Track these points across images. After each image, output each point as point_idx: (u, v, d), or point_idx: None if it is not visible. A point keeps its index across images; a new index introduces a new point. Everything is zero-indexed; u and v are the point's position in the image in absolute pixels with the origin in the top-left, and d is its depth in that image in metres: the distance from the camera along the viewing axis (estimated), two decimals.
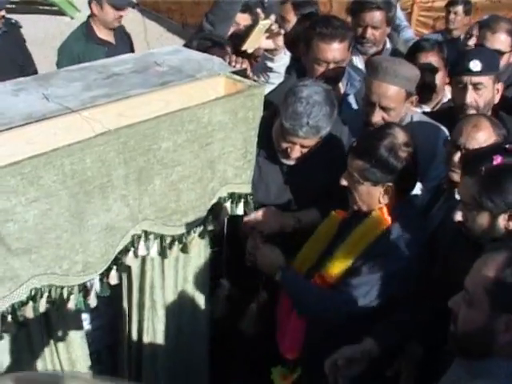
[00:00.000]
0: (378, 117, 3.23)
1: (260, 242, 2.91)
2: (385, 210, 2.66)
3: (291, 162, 3.12)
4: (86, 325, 2.89)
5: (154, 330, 2.93)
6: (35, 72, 4.82)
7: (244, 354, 3.36)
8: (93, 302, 2.32)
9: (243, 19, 4.41)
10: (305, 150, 3.06)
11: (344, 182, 2.70)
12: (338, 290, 2.68)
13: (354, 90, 3.87)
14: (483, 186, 2.32)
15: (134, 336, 2.93)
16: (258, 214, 3.01)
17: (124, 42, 5.07)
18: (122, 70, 2.64)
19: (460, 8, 5.57)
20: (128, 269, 2.68)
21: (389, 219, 2.65)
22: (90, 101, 2.34)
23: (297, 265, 2.93)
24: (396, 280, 2.62)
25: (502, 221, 2.33)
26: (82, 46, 4.86)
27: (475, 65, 3.32)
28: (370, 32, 4.26)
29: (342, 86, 3.87)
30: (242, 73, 2.83)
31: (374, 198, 2.67)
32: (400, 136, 2.64)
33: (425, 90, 3.42)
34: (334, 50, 3.55)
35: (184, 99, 2.55)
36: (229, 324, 3.20)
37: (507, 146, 2.44)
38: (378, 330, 2.59)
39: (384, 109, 3.21)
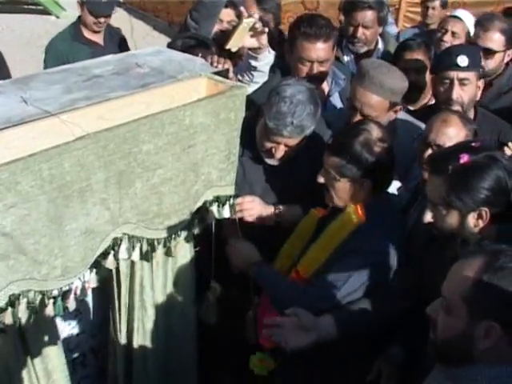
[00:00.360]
0: None
1: (235, 238, 2.92)
2: (359, 206, 2.66)
3: (275, 162, 3.12)
4: (71, 329, 2.87)
5: (144, 330, 2.91)
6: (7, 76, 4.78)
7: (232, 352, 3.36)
8: (72, 305, 2.29)
9: (227, 15, 4.39)
10: (289, 150, 3.05)
11: (321, 180, 2.71)
12: (312, 286, 2.69)
13: (338, 88, 3.86)
14: (451, 185, 2.32)
15: (123, 337, 2.91)
16: (241, 201, 2.99)
17: (113, 44, 5.00)
18: (103, 71, 2.62)
19: (437, 3, 5.59)
20: (117, 269, 2.67)
21: (363, 216, 2.65)
22: (69, 104, 2.32)
23: (278, 262, 2.96)
24: (367, 275, 2.62)
25: (471, 219, 2.34)
26: (67, 46, 4.83)
27: (462, 60, 3.33)
28: (361, 31, 4.27)
29: (326, 85, 3.86)
30: (224, 73, 2.82)
31: (351, 194, 2.68)
32: (375, 132, 2.65)
33: (411, 90, 3.41)
34: (319, 50, 3.54)
35: (165, 101, 2.53)
36: (222, 327, 3.19)
37: (473, 143, 2.45)
38: (338, 314, 2.61)
39: (365, 116, 3.21)
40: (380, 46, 4.47)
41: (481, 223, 2.35)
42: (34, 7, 9.99)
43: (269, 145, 3.03)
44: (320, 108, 3.06)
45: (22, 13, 9.78)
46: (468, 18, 4.74)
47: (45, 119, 2.22)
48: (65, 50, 4.81)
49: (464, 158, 2.33)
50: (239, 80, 3.19)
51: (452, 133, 2.88)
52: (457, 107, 3.34)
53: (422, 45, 4.03)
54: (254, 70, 3.30)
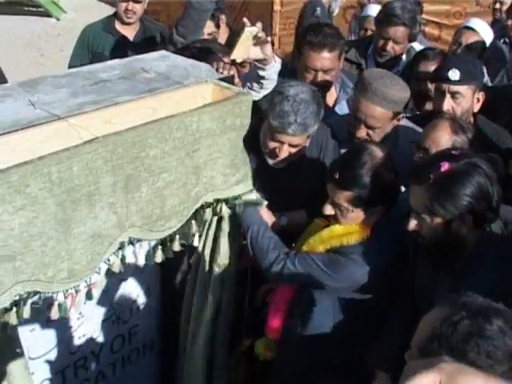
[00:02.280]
0: (362, 133, 3.27)
1: None
2: (367, 226, 2.69)
3: (279, 164, 3.13)
4: (72, 331, 2.88)
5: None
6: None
7: None
8: (54, 315, 2.29)
9: (208, 27, 4.45)
10: (293, 150, 3.08)
11: (330, 212, 2.70)
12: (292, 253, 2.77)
13: (346, 96, 3.91)
14: (433, 194, 2.35)
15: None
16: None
17: (143, 44, 4.99)
18: (110, 76, 2.63)
19: None
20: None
21: (368, 232, 2.68)
22: (77, 108, 2.33)
23: None
24: (335, 278, 2.68)
25: (454, 226, 2.36)
26: (96, 34, 4.97)
27: (454, 74, 3.36)
28: (390, 45, 4.33)
29: (334, 92, 3.89)
30: (229, 79, 2.83)
31: (362, 221, 2.69)
32: (378, 155, 2.66)
33: (420, 98, 3.44)
34: (323, 59, 3.59)
35: (172, 106, 2.54)
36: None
37: (453, 151, 2.48)
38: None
39: (369, 127, 3.24)
40: (403, 58, 4.51)
41: (464, 229, 2.37)
42: (34, 9, 9.98)
43: (273, 145, 3.06)
44: (322, 109, 3.09)
45: (23, 15, 9.76)
46: (483, 28, 4.74)
47: (53, 123, 2.23)
48: (93, 38, 4.91)
49: (445, 166, 2.36)
50: (249, 88, 3.21)
51: (437, 137, 2.92)
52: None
53: (438, 55, 4.06)
54: (263, 79, 3.35)
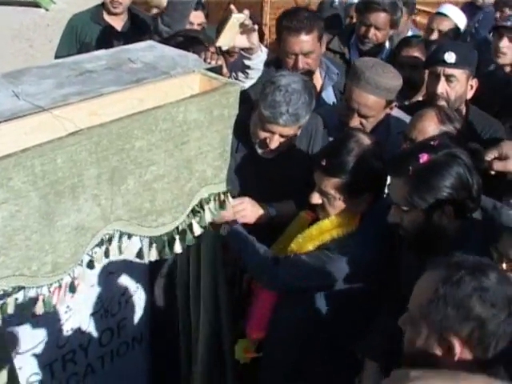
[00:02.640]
0: (355, 122, 3.27)
1: None
2: (355, 215, 2.66)
3: (269, 154, 3.11)
4: (60, 325, 2.85)
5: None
6: None
7: None
8: (39, 310, 2.26)
9: (197, 17, 4.42)
10: (283, 140, 3.05)
11: (317, 201, 2.68)
12: (282, 260, 2.74)
13: (331, 82, 3.89)
14: (413, 186, 2.34)
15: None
16: (233, 204, 2.97)
17: (133, 34, 4.90)
18: (95, 66, 2.59)
19: None
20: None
21: (356, 222, 2.65)
22: (61, 99, 2.28)
23: None
24: (330, 274, 2.65)
25: (435, 218, 2.34)
26: (84, 24, 4.98)
27: (450, 56, 3.36)
28: (372, 32, 4.32)
29: (320, 79, 3.87)
30: (217, 70, 2.80)
31: (350, 209, 2.67)
32: (365, 142, 2.64)
33: (405, 86, 3.42)
34: (301, 42, 3.60)
35: (158, 97, 2.50)
36: None
37: (432, 142, 2.46)
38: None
39: (362, 116, 3.22)
40: (387, 45, 4.49)
41: (445, 220, 2.36)
42: (23, 0, 9.92)
43: (263, 135, 3.04)
44: (314, 99, 3.06)
45: (11, 5, 9.69)
46: (455, 14, 4.74)
47: (37, 114, 2.18)
48: (81, 27, 4.87)
49: (423, 158, 2.35)
50: (234, 78, 3.18)
51: (424, 128, 2.91)
52: (442, 102, 3.38)
53: (420, 42, 4.06)
54: (248, 69, 3.32)
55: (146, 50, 2.83)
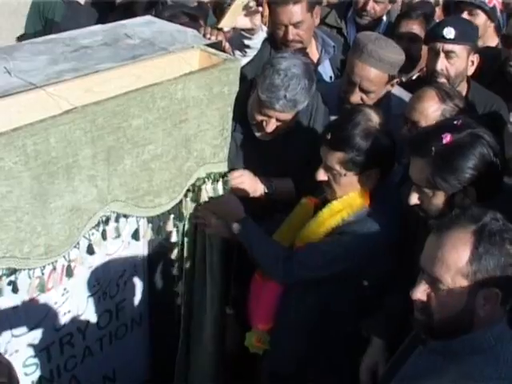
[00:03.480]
0: (357, 97, 3.19)
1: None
2: (365, 193, 2.58)
3: (265, 137, 3.05)
4: (57, 308, 2.80)
5: None
6: None
7: None
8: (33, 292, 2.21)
9: None
10: (280, 124, 2.98)
11: (323, 177, 2.59)
12: (295, 253, 2.64)
13: (328, 56, 3.83)
14: (435, 167, 2.27)
15: None
16: (233, 176, 2.93)
17: (98, 8, 4.77)
18: (91, 42, 2.52)
19: None
20: None
21: (367, 201, 2.57)
22: (55, 76, 2.22)
23: None
24: (354, 256, 2.55)
25: (457, 199, 2.28)
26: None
27: (449, 32, 3.28)
28: (371, 5, 4.23)
29: (316, 53, 3.80)
30: (217, 46, 2.72)
31: (358, 186, 2.58)
32: (373, 117, 2.56)
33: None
34: (289, 13, 3.52)
35: (156, 74, 2.44)
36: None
37: (455, 122, 2.38)
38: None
39: (364, 90, 3.15)
40: (384, 19, 4.40)
41: (467, 202, 2.29)
42: None
43: (260, 118, 2.97)
44: (315, 83, 2.99)
45: None
46: None
47: (30, 92, 2.12)
48: (43, 3, 4.68)
49: (447, 138, 2.28)
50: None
51: (425, 109, 2.83)
52: (442, 79, 3.30)
53: (420, 15, 3.98)
54: (247, 48, 3.24)
55: (144, 26, 2.76)
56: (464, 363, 1.75)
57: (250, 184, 3.02)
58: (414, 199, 2.36)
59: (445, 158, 2.26)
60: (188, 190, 2.63)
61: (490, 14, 4.03)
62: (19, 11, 8.10)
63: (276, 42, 3.54)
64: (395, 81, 3.29)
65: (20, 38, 4.68)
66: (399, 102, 3.33)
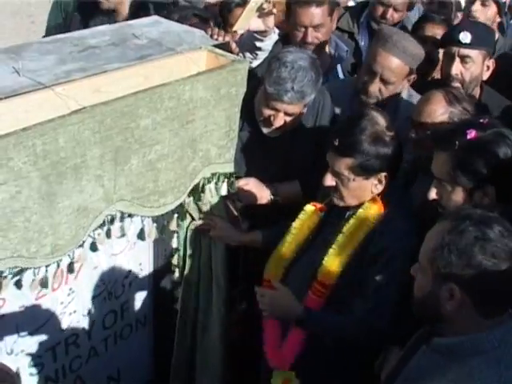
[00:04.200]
0: (376, 87, 3.21)
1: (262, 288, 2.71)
2: (378, 198, 2.56)
3: (273, 133, 3.05)
4: (63, 308, 2.80)
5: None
6: None
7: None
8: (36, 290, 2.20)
9: None
10: (288, 119, 2.99)
11: (330, 183, 2.57)
12: (364, 307, 2.52)
13: (340, 60, 3.81)
14: (457, 162, 2.27)
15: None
16: (239, 184, 2.93)
17: None
18: (99, 42, 2.52)
19: None
20: None
21: (382, 207, 2.55)
22: (64, 75, 2.22)
23: (269, 271, 2.79)
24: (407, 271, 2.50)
25: (476, 197, 2.27)
26: None
27: (465, 36, 3.26)
28: (390, 13, 4.20)
29: (329, 57, 3.80)
30: (225, 46, 2.72)
31: (366, 191, 2.56)
32: (380, 120, 2.54)
33: (425, 63, 3.37)
34: (311, 15, 3.51)
35: (164, 74, 2.44)
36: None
37: (481, 120, 2.38)
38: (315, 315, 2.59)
39: (384, 81, 3.15)
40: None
41: (486, 201, 2.28)
42: None
43: (268, 112, 2.97)
44: (321, 77, 2.99)
45: None
46: None
47: (38, 91, 2.12)
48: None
49: (471, 134, 2.28)
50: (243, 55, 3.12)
51: (433, 111, 2.81)
52: (456, 84, 3.28)
53: (444, 21, 3.97)
54: (258, 50, 3.24)
55: (151, 26, 2.75)
56: (465, 364, 1.75)
57: (256, 192, 3.02)
58: (433, 194, 2.36)
59: (467, 154, 2.26)
60: (192, 190, 2.62)
61: (501, 8, 4.05)
62: (22, 11, 8.13)
63: (291, 42, 3.53)
64: (412, 76, 3.30)
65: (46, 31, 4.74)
66: (407, 104, 3.33)
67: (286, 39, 3.59)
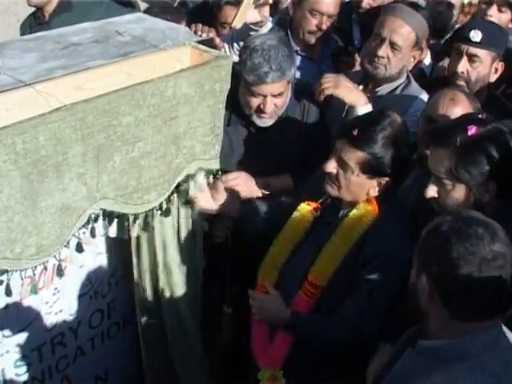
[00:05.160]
0: (384, 52, 3.23)
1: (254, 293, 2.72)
2: (373, 199, 2.54)
3: (268, 122, 3.07)
4: (48, 307, 2.78)
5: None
6: None
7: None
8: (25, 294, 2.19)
9: None
10: (277, 101, 3.02)
11: (331, 169, 2.53)
12: (354, 308, 2.52)
13: (330, 50, 3.85)
14: (459, 158, 2.25)
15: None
16: (225, 179, 2.90)
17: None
18: (81, 39, 2.49)
19: None
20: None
21: (376, 208, 2.53)
22: (45, 73, 2.19)
23: (263, 272, 2.78)
24: (400, 275, 2.47)
25: (477, 193, 2.27)
26: (29, 23, 4.41)
27: (476, 35, 3.21)
28: (366, 1, 4.18)
29: (319, 48, 3.84)
30: (209, 43, 2.71)
31: (364, 190, 2.53)
32: (398, 124, 2.50)
33: (438, 23, 3.42)
34: (330, 4, 3.62)
35: (147, 71, 2.41)
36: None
37: (480, 115, 2.37)
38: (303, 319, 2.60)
39: (392, 45, 3.22)
40: None
41: (486, 197, 2.27)
42: None
43: (256, 101, 3.00)
44: (294, 52, 3.09)
45: None
46: None
47: (19, 89, 2.09)
48: (28, 31, 4.54)
49: (472, 130, 2.26)
50: (237, 49, 3.15)
51: (460, 113, 2.76)
52: (461, 82, 3.23)
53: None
54: None
55: (135, 23, 2.73)
56: (449, 368, 1.73)
57: (246, 186, 3.00)
58: (432, 192, 2.33)
59: (470, 149, 2.25)
60: (176, 186, 2.60)
61: None
62: (10, 10, 8.08)
63: (299, 28, 3.60)
64: (418, 53, 3.35)
65: None
66: (415, 102, 3.31)
67: (281, 22, 3.62)
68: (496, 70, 3.32)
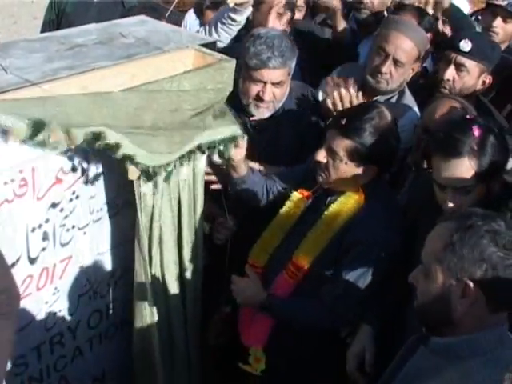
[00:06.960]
0: (388, 69, 3.26)
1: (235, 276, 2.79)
2: (360, 189, 2.59)
3: (265, 113, 3.12)
4: (48, 307, 2.78)
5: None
6: None
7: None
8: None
9: None
10: (276, 91, 3.06)
11: (322, 159, 2.59)
12: (331, 292, 2.58)
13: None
14: (480, 160, 2.29)
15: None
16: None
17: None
18: (86, 41, 2.52)
19: None
20: None
21: (363, 198, 2.58)
22: (51, 73, 2.22)
23: (254, 256, 2.86)
24: (378, 266, 2.55)
25: (495, 188, 2.35)
26: None
27: (466, 45, 3.25)
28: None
29: None
30: (212, 45, 2.74)
31: (352, 178, 2.60)
32: (387, 116, 2.58)
33: None
34: None
35: (151, 72, 2.44)
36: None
37: (467, 116, 2.47)
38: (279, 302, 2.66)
39: (396, 62, 3.25)
40: (385, 14, 4.41)
41: (496, 188, 2.36)
42: None
43: (255, 88, 3.04)
44: (296, 48, 3.09)
45: None
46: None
47: (25, 88, 2.11)
48: None
49: (477, 131, 2.31)
50: (214, 28, 3.37)
51: None
52: (445, 90, 3.27)
53: (413, 10, 3.93)
54: (233, 22, 3.35)
55: (138, 25, 2.76)
56: (463, 364, 1.74)
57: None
58: (453, 202, 2.35)
59: (486, 150, 2.29)
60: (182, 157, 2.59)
61: None
62: (6, 11, 8.10)
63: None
64: (417, 66, 3.38)
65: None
66: (407, 111, 3.35)
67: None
68: (484, 82, 3.36)
